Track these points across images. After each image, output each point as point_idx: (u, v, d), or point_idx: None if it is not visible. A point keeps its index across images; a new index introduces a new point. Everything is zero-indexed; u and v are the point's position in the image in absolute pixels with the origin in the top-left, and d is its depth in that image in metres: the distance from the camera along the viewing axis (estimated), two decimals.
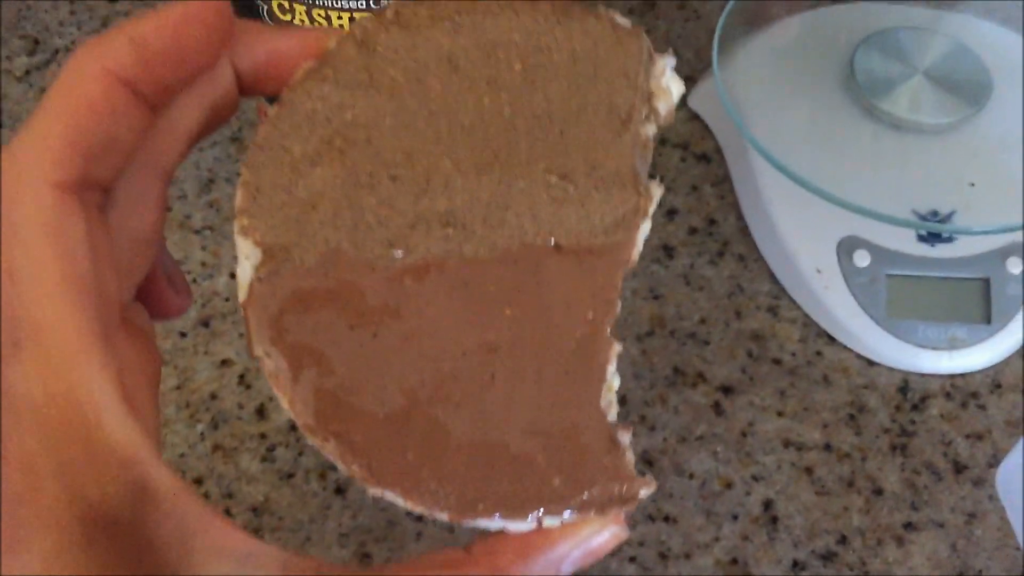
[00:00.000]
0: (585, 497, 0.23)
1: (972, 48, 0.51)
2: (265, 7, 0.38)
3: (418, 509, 0.23)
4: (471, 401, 0.23)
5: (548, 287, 0.23)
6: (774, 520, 0.43)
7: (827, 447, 0.45)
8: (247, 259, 0.23)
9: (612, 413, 0.23)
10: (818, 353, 0.47)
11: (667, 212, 0.52)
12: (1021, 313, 0.46)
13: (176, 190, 0.53)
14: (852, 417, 0.46)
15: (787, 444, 0.45)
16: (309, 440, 0.23)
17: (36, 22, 0.60)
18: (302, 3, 0.37)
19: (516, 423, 0.23)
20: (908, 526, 0.43)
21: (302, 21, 0.38)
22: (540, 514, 0.23)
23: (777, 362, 0.47)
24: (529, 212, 0.24)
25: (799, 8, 0.55)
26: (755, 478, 0.44)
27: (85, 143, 0.21)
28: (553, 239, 0.23)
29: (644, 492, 0.23)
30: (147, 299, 0.25)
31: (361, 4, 0.36)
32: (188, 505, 0.20)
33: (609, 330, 0.23)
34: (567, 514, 0.23)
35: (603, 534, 0.23)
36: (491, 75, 0.24)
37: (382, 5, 0.36)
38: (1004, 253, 0.46)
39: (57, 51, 0.59)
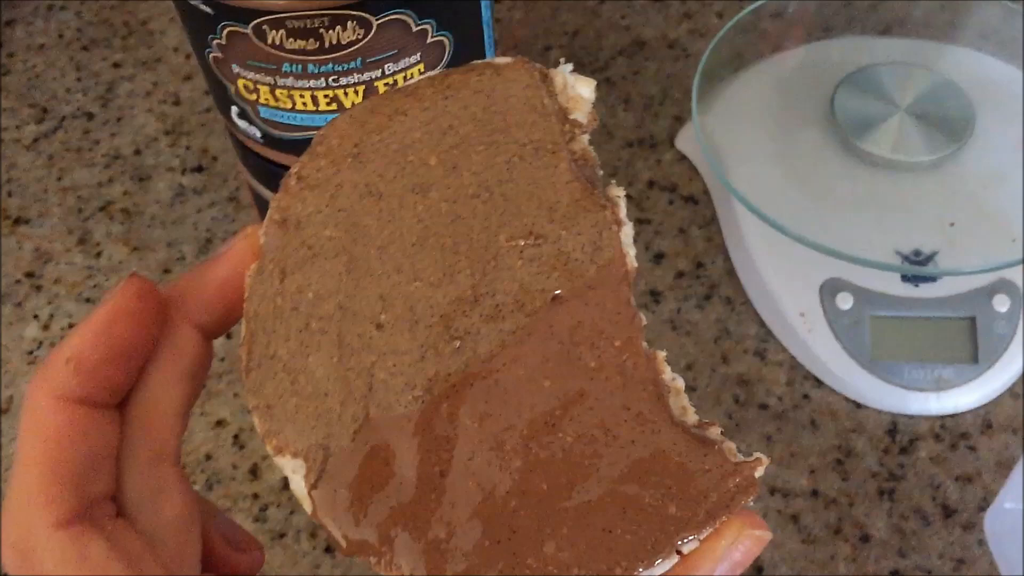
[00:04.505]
0: (707, 508, 0.22)
1: (953, 79, 0.50)
2: (232, 88, 0.39)
3: None
4: (556, 484, 0.23)
5: (569, 339, 0.23)
6: (759, 570, 0.43)
7: (814, 493, 0.45)
8: (294, 473, 0.23)
9: (690, 415, 0.23)
10: (805, 396, 0.47)
11: (654, 256, 0.52)
12: (1011, 351, 0.46)
13: (175, 251, 0.54)
14: (839, 462, 0.45)
15: (773, 491, 0.45)
16: None
17: (44, 90, 0.63)
18: (266, 84, 0.38)
19: (607, 480, 0.23)
20: (895, 573, 0.42)
21: (267, 100, 0.39)
22: (676, 546, 0.22)
23: (764, 407, 0.47)
24: (516, 283, 0.23)
25: (781, 47, 0.55)
26: None
27: (68, 473, 0.22)
28: (551, 294, 0.23)
29: (759, 471, 0.23)
30: (212, 564, 0.26)
31: (321, 83, 0.37)
32: None
33: (644, 344, 0.23)
34: (702, 533, 0.22)
35: (742, 544, 0.22)
36: (413, 183, 0.24)
37: (341, 83, 0.37)
38: (990, 291, 0.46)
39: (64, 118, 0.61)
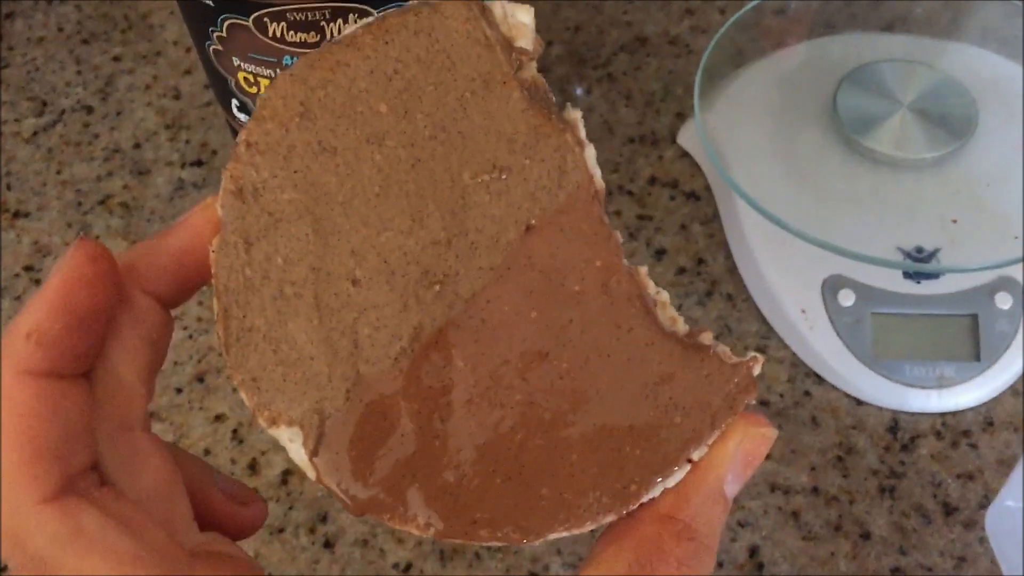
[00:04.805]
0: (711, 413, 0.23)
1: (956, 76, 0.50)
2: (233, 81, 0.39)
3: (584, 528, 0.23)
4: (559, 412, 0.23)
5: (549, 267, 0.23)
6: (760, 567, 0.43)
7: (815, 490, 0.45)
8: (292, 442, 0.23)
9: (680, 325, 0.23)
10: (806, 393, 0.47)
11: (656, 252, 0.52)
12: (1013, 349, 0.45)
13: None
14: (840, 459, 0.45)
15: (774, 488, 0.45)
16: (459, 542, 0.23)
17: (43, 84, 0.62)
18: (266, 77, 0.38)
19: (608, 400, 0.23)
20: (896, 571, 0.42)
21: None
22: (687, 454, 0.23)
23: (765, 404, 0.47)
24: (487, 219, 0.23)
25: (784, 43, 0.55)
26: (741, 524, 0.44)
27: (46, 449, 0.21)
28: (524, 225, 0.23)
29: (756, 369, 0.23)
30: (216, 522, 0.25)
31: None
32: None
33: (624, 261, 0.23)
34: (709, 439, 0.23)
35: (748, 444, 0.23)
36: (366, 133, 0.23)
37: None
38: (993, 288, 0.46)
39: (63, 112, 0.61)
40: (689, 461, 0.23)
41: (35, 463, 0.21)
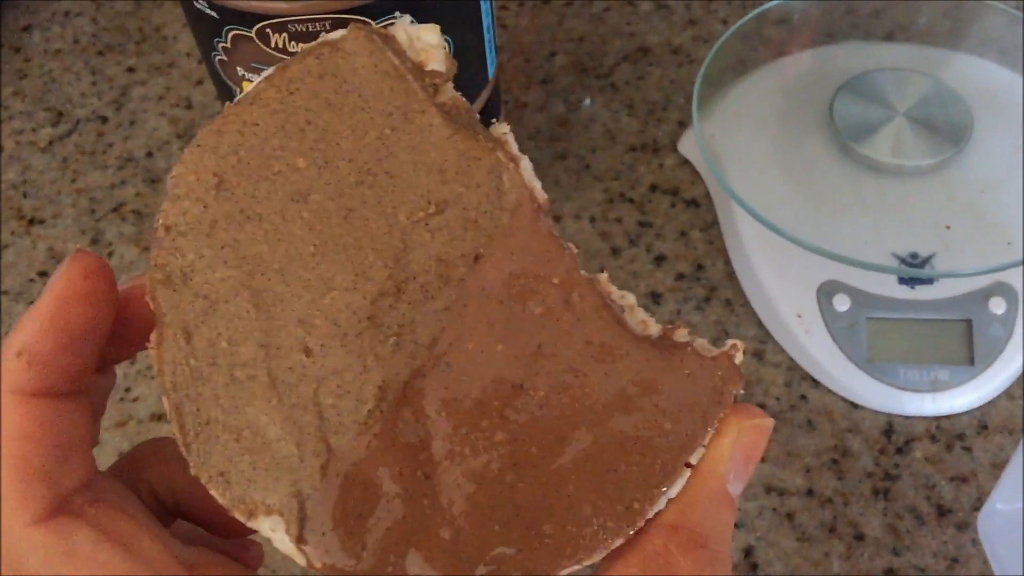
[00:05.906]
0: (701, 413, 0.22)
1: (951, 84, 0.51)
2: (238, 90, 0.40)
3: (594, 558, 0.22)
4: (546, 444, 0.22)
5: (506, 295, 0.22)
6: (754, 567, 0.43)
7: (809, 492, 0.45)
8: (274, 531, 0.22)
9: (652, 327, 0.22)
10: (803, 397, 0.48)
11: (655, 258, 0.53)
12: (1007, 353, 0.46)
13: None
14: (835, 461, 0.46)
15: (769, 490, 0.45)
16: None
17: (59, 94, 0.64)
18: None
19: (594, 422, 0.22)
20: (889, 572, 0.43)
21: None
22: (685, 460, 0.22)
23: (762, 407, 0.48)
24: (432, 259, 0.22)
25: (783, 52, 0.55)
26: (736, 525, 0.44)
27: (37, 470, 0.21)
28: (472, 256, 0.22)
29: (739, 358, 0.22)
30: (234, 531, 0.25)
31: None
32: None
33: (583, 272, 0.22)
34: (704, 439, 0.22)
35: (745, 438, 0.22)
36: (289, 192, 0.22)
37: None
38: (986, 294, 0.46)
39: (78, 121, 0.62)
40: (688, 466, 0.22)
41: (25, 485, 0.21)
